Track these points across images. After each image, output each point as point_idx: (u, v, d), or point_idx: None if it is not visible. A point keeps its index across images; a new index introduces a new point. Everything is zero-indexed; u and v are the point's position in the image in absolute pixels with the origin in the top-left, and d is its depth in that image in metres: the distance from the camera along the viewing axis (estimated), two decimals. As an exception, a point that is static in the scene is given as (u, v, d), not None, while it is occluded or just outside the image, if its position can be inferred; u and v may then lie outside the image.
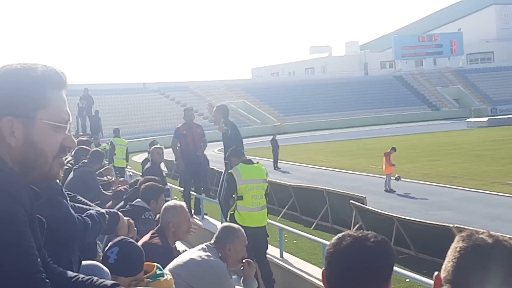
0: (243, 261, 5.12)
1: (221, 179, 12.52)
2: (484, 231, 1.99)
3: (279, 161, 32.18)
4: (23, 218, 1.92)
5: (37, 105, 2.03)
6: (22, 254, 1.88)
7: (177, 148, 14.94)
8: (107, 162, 18.95)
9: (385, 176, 22.74)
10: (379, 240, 2.11)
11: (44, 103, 2.05)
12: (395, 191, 21.93)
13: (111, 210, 4.30)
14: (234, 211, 9.90)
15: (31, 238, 1.94)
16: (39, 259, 1.96)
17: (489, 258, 1.89)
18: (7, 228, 1.86)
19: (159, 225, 5.62)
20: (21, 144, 2.01)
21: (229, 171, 10.15)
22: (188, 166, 14.76)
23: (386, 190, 22.08)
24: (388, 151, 23.18)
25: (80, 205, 4.33)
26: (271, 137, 33.79)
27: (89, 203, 4.84)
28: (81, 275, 2.45)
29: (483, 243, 1.92)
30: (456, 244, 1.96)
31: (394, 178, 22.63)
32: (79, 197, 4.75)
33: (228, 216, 10.05)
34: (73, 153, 9.66)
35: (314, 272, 9.93)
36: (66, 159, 2.21)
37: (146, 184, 6.93)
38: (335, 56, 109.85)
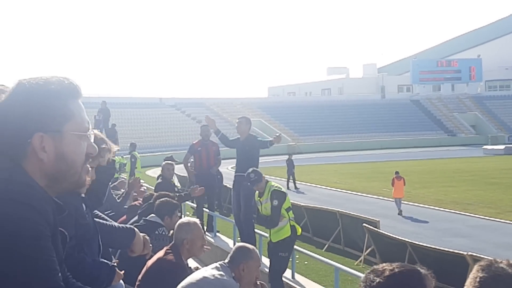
0: (257, 283, 5.08)
1: (245, 198, 12.32)
2: (503, 260, 1.96)
3: (296, 181, 32.04)
4: (46, 232, 1.93)
5: (63, 118, 2.05)
6: (43, 269, 1.89)
7: (189, 164, 14.92)
8: (121, 174, 19.01)
9: (394, 200, 22.93)
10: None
11: (69, 115, 2.07)
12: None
13: (127, 226, 4.29)
14: (290, 222, 10.02)
15: (53, 252, 1.94)
16: (60, 274, 1.96)
17: None
18: (30, 242, 1.87)
19: (173, 241, 5.61)
20: (52, 158, 2.03)
21: (277, 188, 10.10)
22: (201, 183, 14.72)
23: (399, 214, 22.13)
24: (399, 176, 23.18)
25: (96, 219, 4.32)
26: (286, 156, 33.69)
27: (106, 217, 4.84)
28: None
29: (503, 273, 1.90)
30: (476, 274, 1.93)
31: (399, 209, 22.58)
32: (95, 211, 4.74)
33: (290, 228, 10.01)
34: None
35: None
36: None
37: (161, 200, 6.92)
38: (352, 78, 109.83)
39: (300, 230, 10.47)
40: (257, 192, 10.34)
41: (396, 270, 1.95)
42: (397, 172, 23.62)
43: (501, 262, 1.95)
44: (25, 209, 1.89)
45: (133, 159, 22.35)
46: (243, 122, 12.64)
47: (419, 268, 2.00)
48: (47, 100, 2.03)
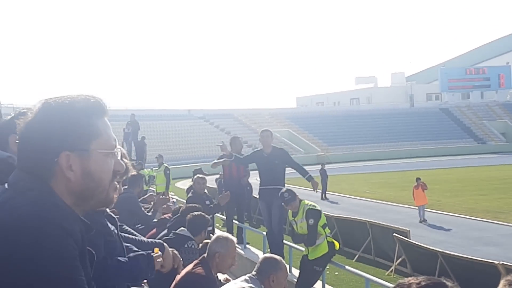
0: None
1: (280, 208, 12.35)
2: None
3: (327, 192, 31.93)
4: (74, 252, 1.94)
5: (89, 136, 2.06)
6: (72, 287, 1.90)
7: (219, 176, 14.88)
8: (149, 188, 19.14)
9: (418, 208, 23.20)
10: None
11: (96, 133, 2.08)
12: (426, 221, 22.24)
13: (157, 241, 4.32)
14: (328, 239, 10.10)
15: (81, 271, 1.95)
16: None
17: None
18: (59, 262, 1.88)
19: (204, 254, 5.64)
20: (79, 177, 2.04)
21: (311, 206, 10.10)
22: (232, 195, 14.72)
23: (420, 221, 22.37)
24: (417, 184, 23.36)
25: (125, 234, 4.35)
26: (318, 166, 33.47)
27: (135, 232, 4.87)
28: None
29: None
30: None
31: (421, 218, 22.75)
32: (125, 226, 4.79)
33: (328, 245, 10.07)
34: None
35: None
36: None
37: (194, 214, 6.92)
38: (380, 87, 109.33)
39: (338, 245, 10.49)
40: (290, 212, 10.34)
41: (423, 283, 1.95)
42: (418, 179, 23.79)
43: None
44: (54, 229, 1.91)
45: (168, 171, 22.48)
46: (270, 136, 12.54)
47: (445, 281, 2.00)
48: (73, 119, 2.05)
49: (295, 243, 11.51)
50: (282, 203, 10.35)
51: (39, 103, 2.11)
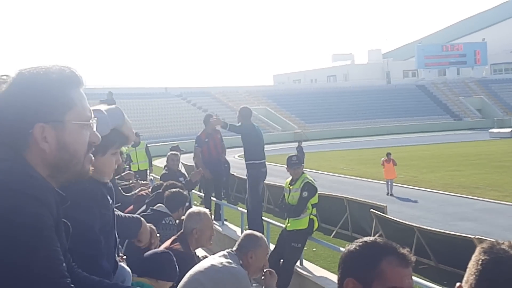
0: (265, 270, 5.10)
1: (250, 186, 12.43)
2: (505, 242, 1.97)
3: (304, 169, 32.00)
4: (49, 223, 1.93)
5: (64, 107, 2.04)
6: (48, 259, 1.88)
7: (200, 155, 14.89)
8: (128, 166, 19.04)
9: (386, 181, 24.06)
10: None
11: (70, 104, 2.06)
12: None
13: (134, 216, 4.30)
14: (310, 216, 10.14)
15: (57, 242, 1.94)
16: (64, 264, 1.96)
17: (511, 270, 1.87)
18: (34, 233, 1.86)
19: (181, 231, 5.64)
20: (54, 148, 2.03)
21: (311, 181, 10.19)
22: (211, 172, 14.74)
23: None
24: (388, 158, 24.14)
25: None
26: (293, 143, 33.56)
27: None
28: (106, 281, 2.45)
29: (504, 255, 1.90)
30: (478, 256, 1.94)
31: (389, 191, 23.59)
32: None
33: (308, 221, 10.12)
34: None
35: (334, 280, 9.90)
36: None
37: (172, 191, 6.90)
38: (357, 64, 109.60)
39: (317, 225, 10.53)
40: (288, 179, 10.39)
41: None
42: (389, 154, 24.52)
43: (503, 243, 1.96)
44: (27, 199, 1.89)
45: (148, 148, 22.40)
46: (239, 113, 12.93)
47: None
48: (48, 90, 2.02)
49: (280, 210, 11.62)
50: (286, 167, 10.39)
51: (14, 74, 2.08)
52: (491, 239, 2.04)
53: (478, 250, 1.97)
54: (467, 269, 1.96)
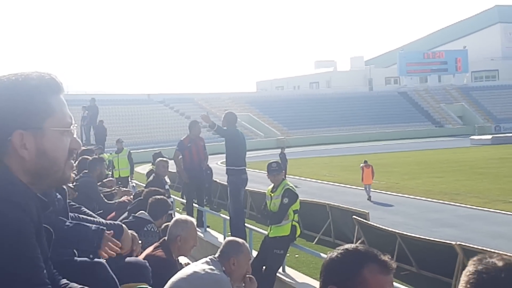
0: (247, 276, 5.10)
1: (231, 193, 12.45)
2: (497, 254, 2.00)
3: (287, 175, 32.07)
4: (29, 229, 1.92)
5: (44, 114, 2.03)
6: (28, 265, 1.88)
7: (179, 159, 14.85)
8: (110, 173, 18.99)
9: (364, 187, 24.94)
10: None
11: (50, 111, 2.04)
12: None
13: (115, 222, 4.29)
14: (292, 223, 10.10)
15: (37, 249, 1.94)
16: (45, 271, 1.96)
17: (499, 282, 1.90)
18: (15, 239, 1.86)
19: (164, 237, 5.63)
20: (34, 155, 2.01)
21: (291, 188, 10.18)
22: (192, 179, 14.74)
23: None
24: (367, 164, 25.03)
25: (84, 216, 4.31)
26: (275, 150, 33.55)
27: (93, 214, 4.84)
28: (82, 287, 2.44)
29: (492, 267, 1.93)
30: (468, 268, 1.98)
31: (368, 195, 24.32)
32: (83, 208, 4.74)
33: (290, 228, 10.09)
34: (75, 163, 9.62)
35: (316, 286, 9.90)
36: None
37: (156, 198, 6.85)
38: (340, 71, 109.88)
39: (299, 231, 10.53)
40: (270, 186, 10.41)
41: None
42: (365, 161, 25.38)
43: (493, 256, 2.00)
44: (8, 206, 1.88)
45: (131, 155, 22.33)
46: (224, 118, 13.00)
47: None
48: (27, 97, 2.01)
49: (262, 217, 11.61)
50: (266, 174, 10.39)
51: None
52: (472, 245, 2.08)
53: (469, 262, 2.01)
54: (460, 281, 1.99)
